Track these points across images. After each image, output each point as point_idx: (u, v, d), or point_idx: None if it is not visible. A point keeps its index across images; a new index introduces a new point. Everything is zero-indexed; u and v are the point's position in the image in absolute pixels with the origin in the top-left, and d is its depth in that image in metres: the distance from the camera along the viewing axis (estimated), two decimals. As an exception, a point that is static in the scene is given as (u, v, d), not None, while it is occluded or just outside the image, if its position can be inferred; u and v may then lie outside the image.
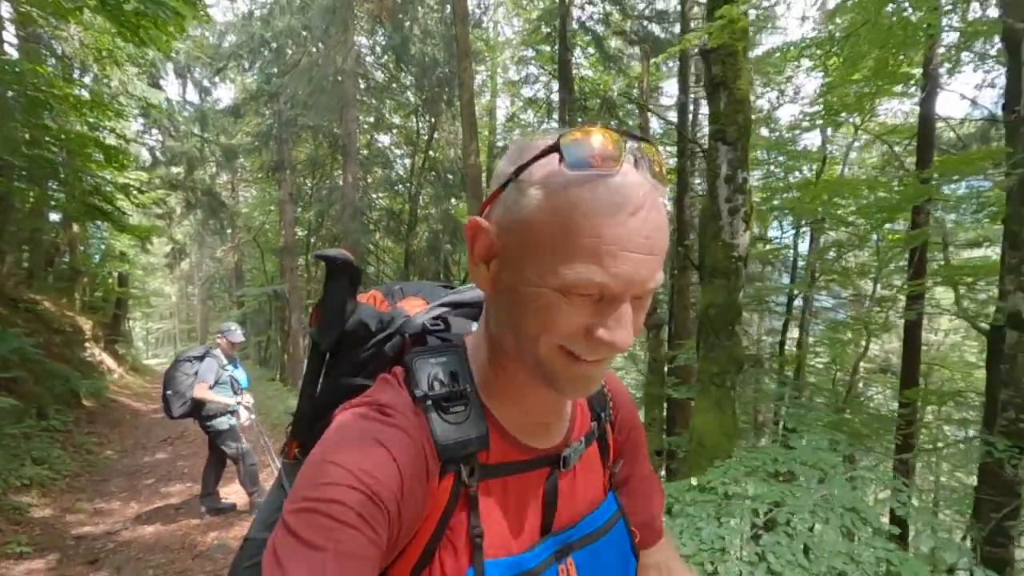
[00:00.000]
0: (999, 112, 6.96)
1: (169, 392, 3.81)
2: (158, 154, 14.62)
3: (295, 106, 11.65)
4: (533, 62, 13.25)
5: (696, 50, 7.44)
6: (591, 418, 0.65)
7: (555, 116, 11.17)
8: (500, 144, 16.18)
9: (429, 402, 0.52)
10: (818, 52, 7.11)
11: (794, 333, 10.11)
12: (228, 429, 3.97)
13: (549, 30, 10.30)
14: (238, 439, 4.03)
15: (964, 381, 10.55)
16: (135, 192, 8.68)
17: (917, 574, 2.81)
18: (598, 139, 0.44)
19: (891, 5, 5.55)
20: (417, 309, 0.65)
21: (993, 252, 8.56)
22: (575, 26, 10.06)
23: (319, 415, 0.60)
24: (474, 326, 0.63)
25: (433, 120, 14.22)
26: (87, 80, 9.42)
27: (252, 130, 14.73)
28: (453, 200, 14.69)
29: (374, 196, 15.93)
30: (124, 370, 13.03)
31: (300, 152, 15.24)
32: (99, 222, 9.93)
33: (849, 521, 3.10)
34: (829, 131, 9.97)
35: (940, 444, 6.33)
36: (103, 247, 14.28)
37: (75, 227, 11.85)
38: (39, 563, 3.28)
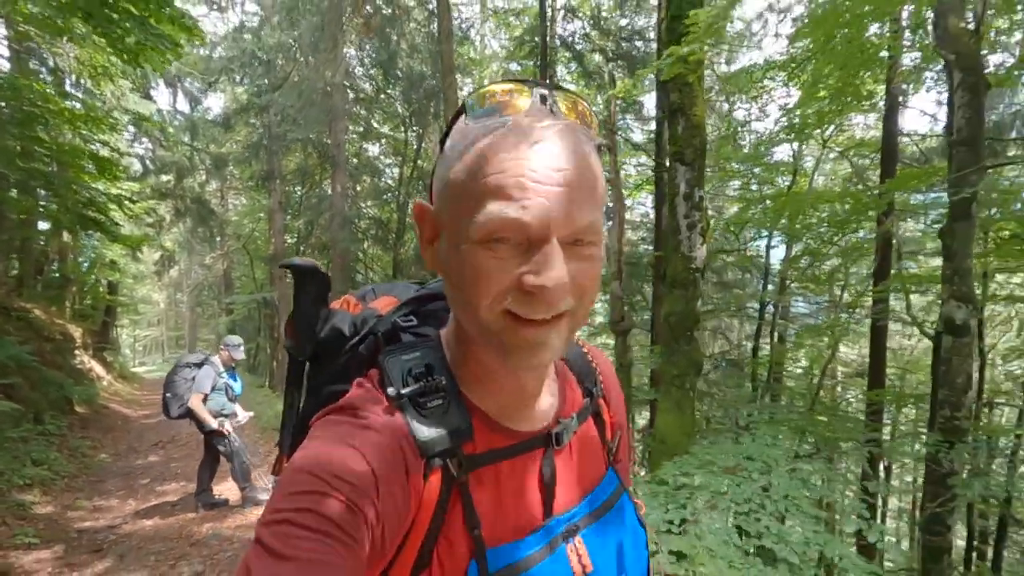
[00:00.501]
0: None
1: (168, 395, 4.12)
2: (148, 163, 14.83)
3: (284, 120, 11.94)
4: (519, 76, 13.68)
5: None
6: (582, 395, 0.64)
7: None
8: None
9: (404, 399, 0.51)
10: (781, 73, 7.54)
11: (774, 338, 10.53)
12: (214, 438, 4.28)
13: (532, 46, 10.71)
14: (231, 438, 4.31)
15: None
16: (128, 203, 8.93)
17: (839, 552, 3.16)
18: (497, 88, 0.46)
19: (843, 31, 5.96)
20: (389, 308, 0.64)
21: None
22: (557, 43, 10.47)
23: (304, 427, 0.58)
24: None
25: (421, 131, 14.56)
26: (79, 92, 9.65)
27: (242, 140, 14.98)
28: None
29: (363, 205, 16.21)
30: (113, 377, 13.17)
31: (290, 162, 15.50)
32: (91, 232, 10.14)
33: (783, 507, 3.46)
34: (800, 145, 10.45)
35: (885, 441, 6.71)
36: (92, 255, 14.43)
37: (65, 236, 12.02)
38: (46, 553, 3.56)
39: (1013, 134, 9.69)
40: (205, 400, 4.17)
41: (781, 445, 4.31)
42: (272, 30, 11.78)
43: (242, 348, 4.48)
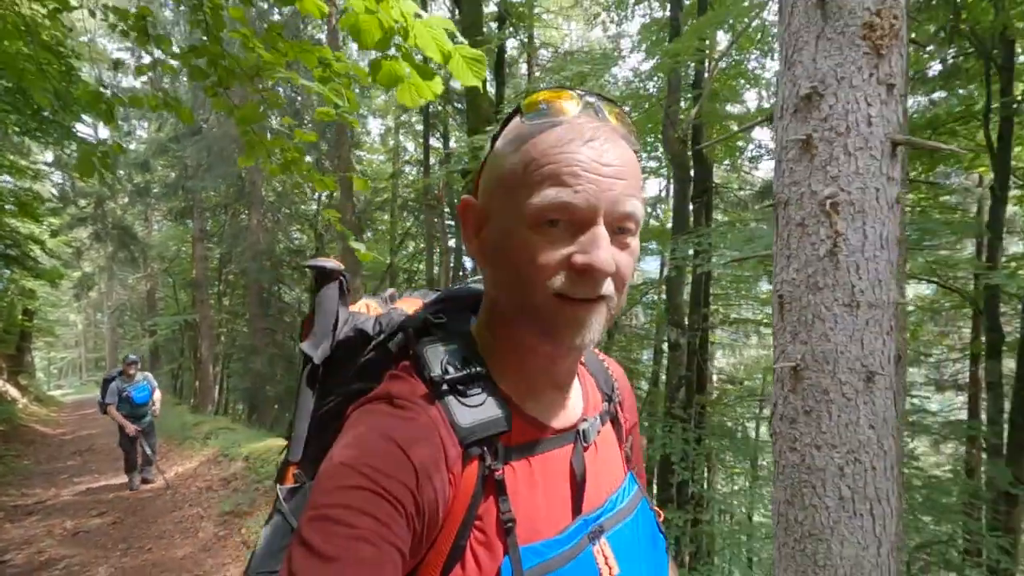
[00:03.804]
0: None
1: (98, 396, 5.87)
2: (68, 191, 15.48)
3: (197, 172, 13.23)
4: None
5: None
6: (602, 398, 0.66)
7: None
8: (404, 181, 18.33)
9: (445, 386, 0.52)
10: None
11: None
12: (122, 432, 5.84)
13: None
14: (127, 441, 5.89)
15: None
16: (48, 239, 9.99)
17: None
18: (551, 94, 0.51)
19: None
20: (415, 308, 0.65)
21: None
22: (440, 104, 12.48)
23: (318, 431, 0.59)
24: (474, 320, 0.62)
25: (334, 166, 16.08)
26: None
27: (161, 177, 15.98)
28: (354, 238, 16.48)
29: (291, 231, 17.49)
30: (29, 400, 13.77)
31: (211, 196, 16.59)
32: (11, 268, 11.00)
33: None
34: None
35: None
36: (5, 283, 14.89)
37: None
38: (-10, 517, 4.98)
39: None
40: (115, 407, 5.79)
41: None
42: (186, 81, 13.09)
43: (131, 362, 5.99)
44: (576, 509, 0.56)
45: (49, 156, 13.73)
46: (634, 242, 0.51)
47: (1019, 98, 6.03)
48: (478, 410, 0.51)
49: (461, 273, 12.37)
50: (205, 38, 1.82)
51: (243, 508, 4.71)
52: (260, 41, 1.71)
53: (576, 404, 0.61)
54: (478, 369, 0.54)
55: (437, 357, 0.54)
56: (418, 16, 1.50)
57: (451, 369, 0.53)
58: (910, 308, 10.78)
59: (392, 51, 1.52)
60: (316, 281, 0.62)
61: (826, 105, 1.96)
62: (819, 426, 1.95)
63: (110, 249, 17.68)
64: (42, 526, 4.61)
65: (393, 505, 0.43)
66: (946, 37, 5.05)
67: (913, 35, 5.83)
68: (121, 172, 15.97)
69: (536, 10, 11.88)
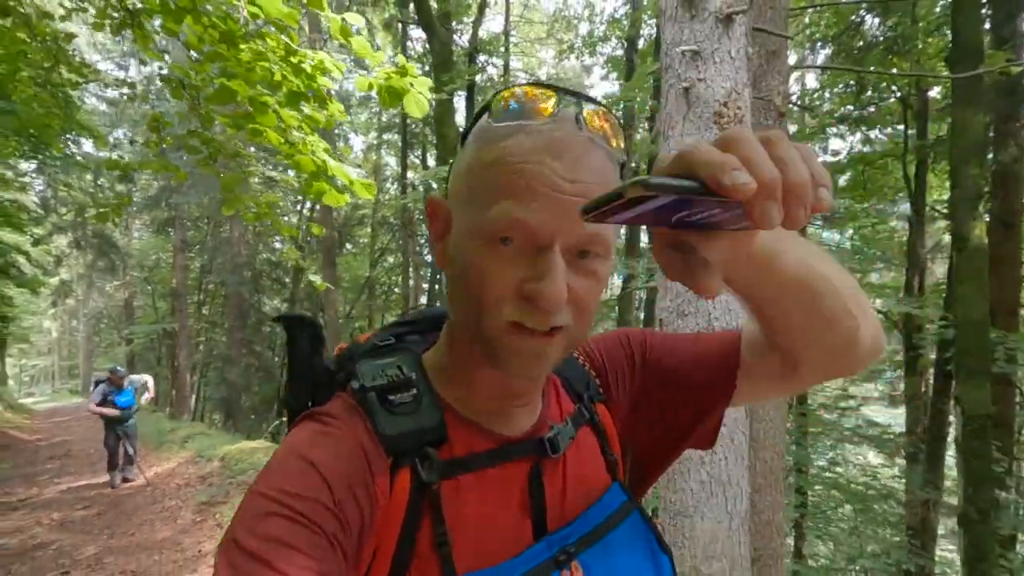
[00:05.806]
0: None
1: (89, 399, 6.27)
2: (49, 197, 15.63)
3: (181, 187, 13.58)
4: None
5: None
6: (572, 400, 0.60)
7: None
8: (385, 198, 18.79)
9: (370, 394, 0.49)
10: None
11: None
12: (108, 432, 6.22)
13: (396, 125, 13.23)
14: (111, 439, 6.28)
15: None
16: (32, 251, 10.28)
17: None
18: (524, 93, 0.46)
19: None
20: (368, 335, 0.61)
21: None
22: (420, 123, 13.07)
23: None
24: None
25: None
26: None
27: (144, 186, 16.25)
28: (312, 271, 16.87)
29: (270, 241, 17.79)
30: (2, 407, 13.82)
31: (193, 209, 16.88)
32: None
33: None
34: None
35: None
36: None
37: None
38: (-24, 513, 5.31)
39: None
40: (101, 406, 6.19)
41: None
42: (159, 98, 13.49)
43: (122, 375, 6.40)
44: (539, 529, 0.51)
45: (32, 164, 13.95)
46: (602, 267, 0.46)
47: (931, 141, 6.76)
48: (407, 418, 0.49)
49: (436, 287, 12.83)
50: (199, 124, 2.34)
51: (218, 499, 5.14)
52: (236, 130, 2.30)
53: (533, 411, 0.56)
54: (410, 375, 0.51)
55: (370, 371, 0.52)
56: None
57: (377, 379, 0.51)
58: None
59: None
60: (287, 333, 0.57)
61: (689, 173, 2.52)
62: (684, 426, 2.53)
63: (89, 257, 17.82)
64: (30, 518, 4.99)
65: (311, 529, 0.40)
66: (858, 90, 5.74)
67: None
68: (104, 182, 16.23)
69: (513, 39, 12.58)
